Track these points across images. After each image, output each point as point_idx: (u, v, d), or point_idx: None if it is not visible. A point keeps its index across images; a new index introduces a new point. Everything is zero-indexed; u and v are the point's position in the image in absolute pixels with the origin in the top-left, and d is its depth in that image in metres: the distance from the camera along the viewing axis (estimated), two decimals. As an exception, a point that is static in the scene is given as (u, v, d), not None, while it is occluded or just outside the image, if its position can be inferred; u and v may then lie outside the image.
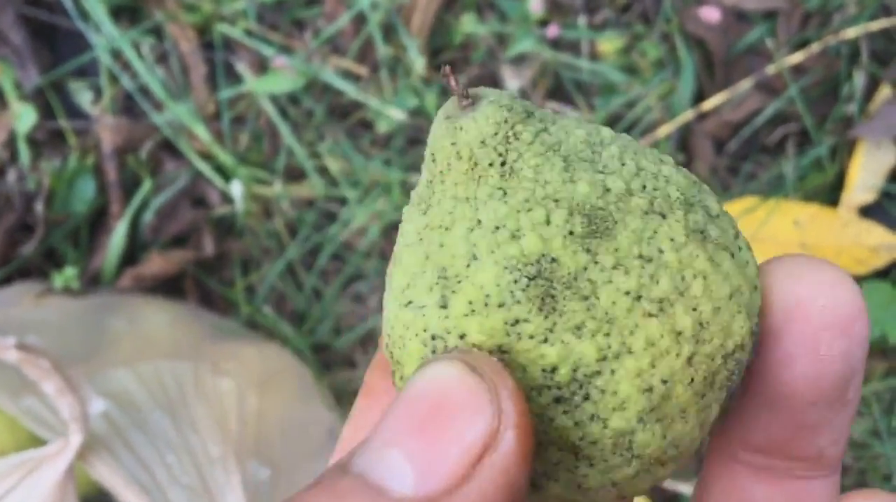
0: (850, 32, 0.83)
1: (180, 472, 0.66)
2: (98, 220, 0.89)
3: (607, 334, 0.20)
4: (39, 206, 0.86)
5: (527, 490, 0.19)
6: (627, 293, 0.20)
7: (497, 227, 0.21)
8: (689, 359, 0.20)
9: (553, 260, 0.20)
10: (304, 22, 0.90)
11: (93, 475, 0.62)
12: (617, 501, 0.22)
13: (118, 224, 0.87)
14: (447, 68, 0.22)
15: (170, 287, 0.89)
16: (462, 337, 0.21)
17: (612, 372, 0.20)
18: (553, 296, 0.20)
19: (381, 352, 0.27)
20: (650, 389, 0.20)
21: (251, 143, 0.89)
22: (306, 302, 0.87)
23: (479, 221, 0.21)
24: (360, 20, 0.88)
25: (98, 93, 0.91)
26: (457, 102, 0.22)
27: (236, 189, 0.87)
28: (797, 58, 0.84)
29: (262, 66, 0.89)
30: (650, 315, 0.20)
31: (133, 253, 0.89)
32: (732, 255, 0.21)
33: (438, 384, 0.18)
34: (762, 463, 0.24)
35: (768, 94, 0.86)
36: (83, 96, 0.90)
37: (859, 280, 0.85)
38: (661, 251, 0.20)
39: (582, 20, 0.87)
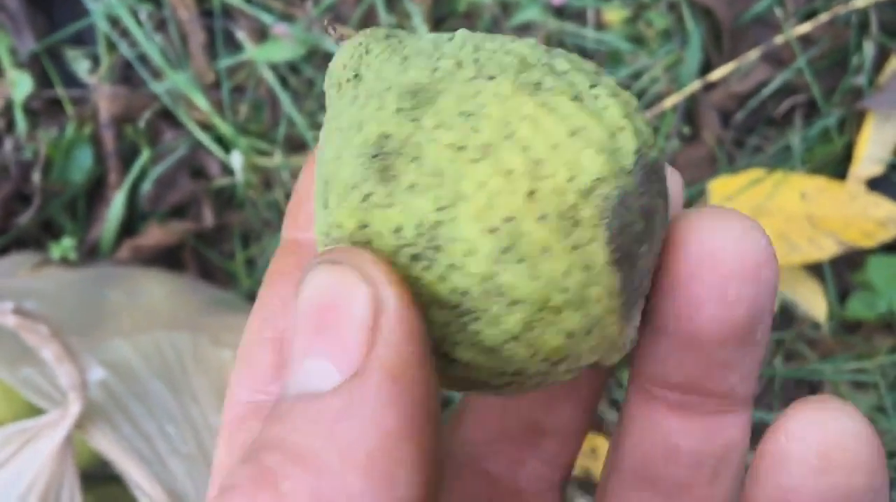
0: (860, 2, 0.82)
1: (180, 442, 0.65)
2: (96, 190, 0.88)
3: (439, 186, 0.21)
4: (36, 176, 0.85)
5: (428, 338, 0.21)
6: (450, 146, 0.21)
7: (350, 126, 0.23)
8: (531, 195, 0.21)
9: (386, 136, 0.22)
10: (304, -10, 0.88)
11: (92, 445, 0.61)
12: (548, 377, 0.23)
13: (116, 194, 0.86)
14: (326, 21, 0.25)
15: (168, 259, 0.88)
16: (339, 226, 0.23)
17: (453, 219, 0.21)
18: (389, 167, 0.22)
19: (289, 239, 0.28)
20: (495, 229, 0.21)
21: (251, 113, 0.88)
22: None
23: (340, 128, 0.23)
24: (362, -12, 0.87)
25: (95, 61, 0.89)
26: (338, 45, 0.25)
27: (236, 159, 0.86)
28: (805, 28, 0.83)
29: (262, 34, 0.88)
30: (475, 160, 0.21)
31: (131, 224, 0.88)
32: (576, 99, 0.22)
33: (315, 288, 0.21)
34: (677, 399, 0.26)
35: (776, 64, 0.85)
36: (80, 64, 0.89)
37: (867, 253, 0.84)
38: (483, 106, 0.21)
39: (588, -12, 0.86)
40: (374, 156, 0.22)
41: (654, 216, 0.22)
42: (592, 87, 0.22)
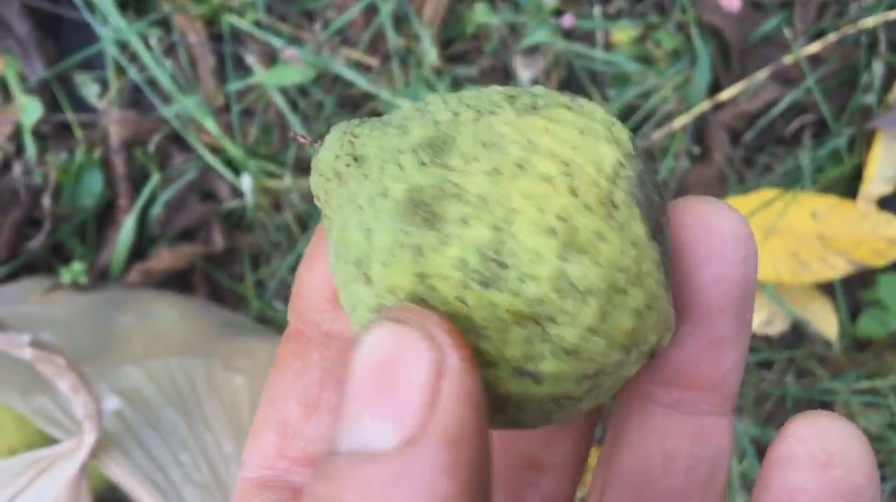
0: (869, 21, 0.82)
1: (194, 471, 0.65)
2: (106, 215, 0.88)
3: (490, 211, 0.22)
4: (46, 201, 0.85)
5: (484, 394, 0.22)
6: (487, 173, 0.22)
7: (371, 199, 0.23)
8: (573, 192, 0.23)
9: (419, 189, 0.23)
10: (313, 13, 0.89)
11: (106, 474, 0.61)
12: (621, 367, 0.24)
13: (126, 218, 0.86)
14: (295, 135, 0.25)
15: (179, 282, 0.88)
16: (393, 291, 0.23)
17: (512, 235, 0.22)
18: (434, 213, 0.22)
19: (293, 326, 0.29)
20: (553, 230, 0.22)
21: (260, 136, 0.88)
22: (317, 296, 0.86)
23: (360, 206, 0.24)
24: (370, 10, 0.87)
25: (105, 85, 0.89)
26: (314, 153, 0.25)
27: (246, 182, 0.86)
28: (814, 47, 0.83)
29: (271, 58, 0.88)
30: (514, 177, 0.22)
31: (141, 247, 0.88)
32: (569, 108, 0.24)
33: (375, 347, 0.21)
34: (672, 398, 0.28)
35: (785, 84, 0.85)
36: (90, 89, 0.89)
37: (878, 272, 0.84)
38: (500, 134, 0.23)
39: (597, 10, 0.86)
40: (413, 211, 0.23)
41: (663, 190, 0.25)
42: (573, 99, 0.25)
